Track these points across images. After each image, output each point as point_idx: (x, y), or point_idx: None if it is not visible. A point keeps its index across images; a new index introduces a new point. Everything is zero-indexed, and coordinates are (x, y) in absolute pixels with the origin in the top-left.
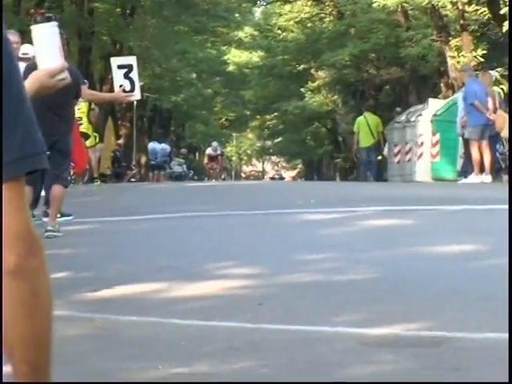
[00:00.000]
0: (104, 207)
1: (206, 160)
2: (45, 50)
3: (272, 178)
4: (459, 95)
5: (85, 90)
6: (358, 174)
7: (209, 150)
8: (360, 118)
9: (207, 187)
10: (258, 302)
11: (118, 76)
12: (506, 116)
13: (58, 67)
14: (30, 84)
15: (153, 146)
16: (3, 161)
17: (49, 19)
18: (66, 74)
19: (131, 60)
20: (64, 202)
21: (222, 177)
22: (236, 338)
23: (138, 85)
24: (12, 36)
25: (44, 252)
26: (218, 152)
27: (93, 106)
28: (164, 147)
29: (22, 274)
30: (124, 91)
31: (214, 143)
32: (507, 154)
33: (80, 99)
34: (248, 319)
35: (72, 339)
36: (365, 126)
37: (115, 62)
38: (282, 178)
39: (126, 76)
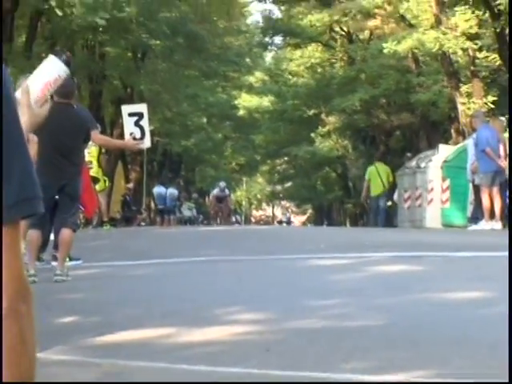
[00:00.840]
0: (113, 251)
1: (212, 202)
2: (42, 76)
3: (279, 222)
4: (470, 141)
5: (96, 134)
6: (368, 220)
7: (216, 191)
8: (371, 168)
9: (216, 232)
10: (265, 348)
11: (128, 124)
12: None
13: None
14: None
15: (158, 190)
16: (1, 204)
17: (68, 64)
18: (45, 109)
19: (142, 108)
20: (73, 246)
21: (233, 220)
22: None
23: (148, 133)
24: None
25: (33, 299)
26: (226, 193)
27: (103, 150)
28: (172, 191)
29: (12, 316)
30: (134, 139)
31: (222, 183)
32: None
33: (91, 143)
34: (255, 365)
35: None
36: (375, 175)
37: (126, 109)
38: (289, 222)
39: (137, 123)
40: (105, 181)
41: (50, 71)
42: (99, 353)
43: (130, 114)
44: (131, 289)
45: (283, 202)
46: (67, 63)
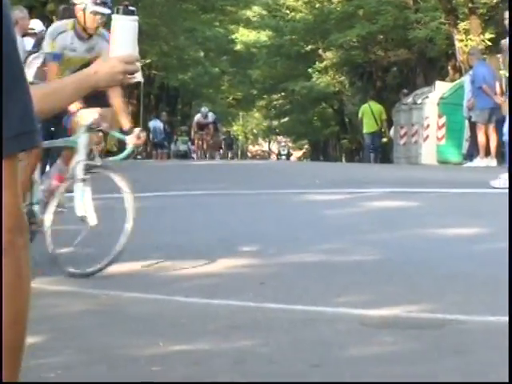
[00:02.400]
0: (108, 184)
1: (194, 129)
2: (122, 40)
3: (278, 155)
4: (466, 78)
5: None
6: (363, 156)
7: (197, 117)
8: (364, 106)
9: (212, 166)
10: (260, 281)
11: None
12: None
13: (133, 55)
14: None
15: (154, 124)
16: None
17: (132, 13)
18: (137, 67)
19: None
20: None
21: (221, 153)
22: (238, 317)
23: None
24: (19, 12)
25: (28, 234)
26: (210, 119)
27: None
28: (158, 125)
29: (10, 251)
30: None
31: (204, 108)
32: None
33: None
34: (250, 298)
35: (75, 315)
36: (369, 114)
37: None
38: (289, 156)
39: None
40: None
41: (134, 31)
42: (95, 284)
43: None
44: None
45: (279, 138)
46: (131, 12)
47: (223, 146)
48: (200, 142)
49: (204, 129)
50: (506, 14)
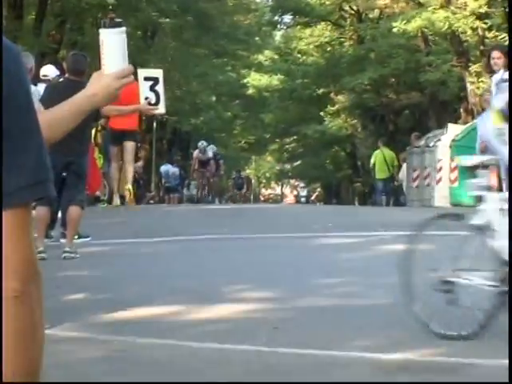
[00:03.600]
0: (122, 229)
1: (193, 166)
2: (112, 54)
3: (296, 197)
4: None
5: (109, 106)
6: (376, 200)
7: (196, 153)
8: (377, 152)
9: (225, 210)
10: (273, 326)
11: (143, 88)
12: None
13: (126, 69)
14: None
15: (165, 168)
16: (14, 186)
17: (119, 25)
18: (131, 78)
19: (158, 73)
20: (81, 223)
21: (229, 195)
22: (251, 362)
23: (163, 98)
24: (25, 59)
25: (42, 280)
26: (210, 155)
27: (99, 127)
28: (174, 170)
29: (23, 301)
30: (149, 104)
31: (201, 143)
32: None
33: None
34: (263, 343)
35: (88, 361)
36: (381, 160)
37: (142, 73)
38: (308, 198)
39: (152, 88)
40: (100, 158)
41: (122, 43)
42: (108, 329)
43: (146, 78)
44: (139, 266)
45: (292, 181)
46: (118, 24)
47: (232, 187)
48: (201, 181)
49: (205, 166)
50: (494, 54)
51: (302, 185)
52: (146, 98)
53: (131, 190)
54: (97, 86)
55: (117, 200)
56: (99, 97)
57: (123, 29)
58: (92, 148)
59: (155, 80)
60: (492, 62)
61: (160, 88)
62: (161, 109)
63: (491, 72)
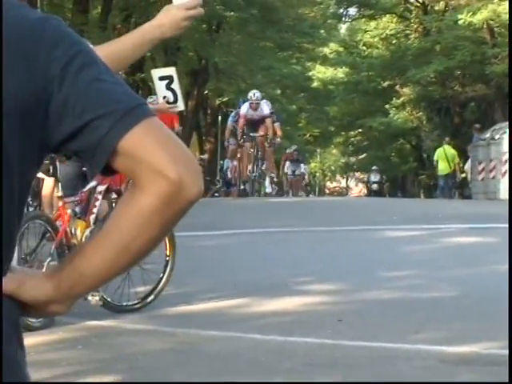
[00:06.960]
0: (185, 222)
1: (234, 131)
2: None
3: (368, 185)
4: None
5: None
6: (438, 195)
7: (245, 108)
8: (440, 150)
9: (290, 203)
10: (338, 318)
11: (160, 87)
12: None
13: (193, 0)
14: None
15: (228, 163)
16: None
17: None
18: (200, 10)
19: (171, 71)
20: None
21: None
22: (315, 354)
23: (180, 95)
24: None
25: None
26: (264, 112)
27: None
28: (230, 164)
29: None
30: (168, 102)
31: (253, 93)
32: None
33: None
34: (328, 335)
35: (153, 353)
36: (443, 157)
37: (156, 73)
38: (383, 184)
39: (168, 87)
40: None
41: None
42: (173, 322)
43: (161, 78)
44: (203, 259)
45: (357, 174)
46: None
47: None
48: (252, 151)
49: (258, 127)
50: None
51: (362, 177)
52: (164, 97)
53: None
54: (163, 16)
55: None
56: (165, 27)
57: None
58: None
59: (170, 78)
60: None
61: (175, 86)
62: (180, 106)
63: None
